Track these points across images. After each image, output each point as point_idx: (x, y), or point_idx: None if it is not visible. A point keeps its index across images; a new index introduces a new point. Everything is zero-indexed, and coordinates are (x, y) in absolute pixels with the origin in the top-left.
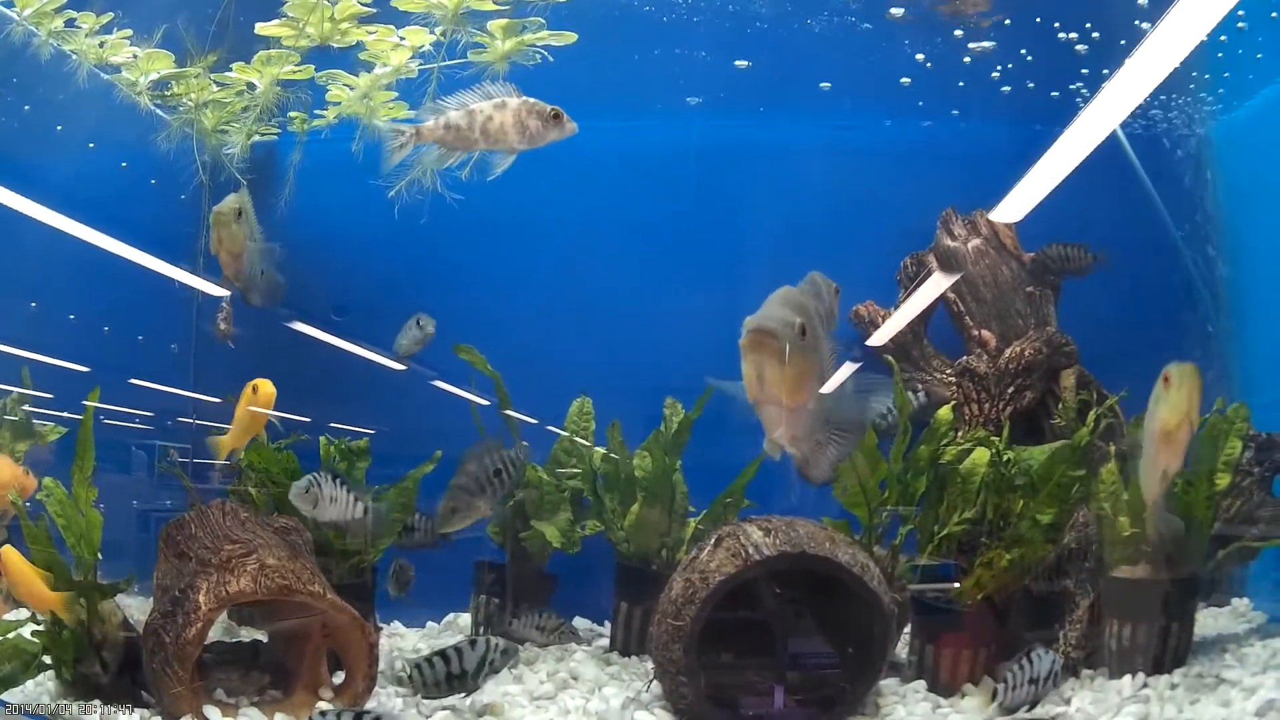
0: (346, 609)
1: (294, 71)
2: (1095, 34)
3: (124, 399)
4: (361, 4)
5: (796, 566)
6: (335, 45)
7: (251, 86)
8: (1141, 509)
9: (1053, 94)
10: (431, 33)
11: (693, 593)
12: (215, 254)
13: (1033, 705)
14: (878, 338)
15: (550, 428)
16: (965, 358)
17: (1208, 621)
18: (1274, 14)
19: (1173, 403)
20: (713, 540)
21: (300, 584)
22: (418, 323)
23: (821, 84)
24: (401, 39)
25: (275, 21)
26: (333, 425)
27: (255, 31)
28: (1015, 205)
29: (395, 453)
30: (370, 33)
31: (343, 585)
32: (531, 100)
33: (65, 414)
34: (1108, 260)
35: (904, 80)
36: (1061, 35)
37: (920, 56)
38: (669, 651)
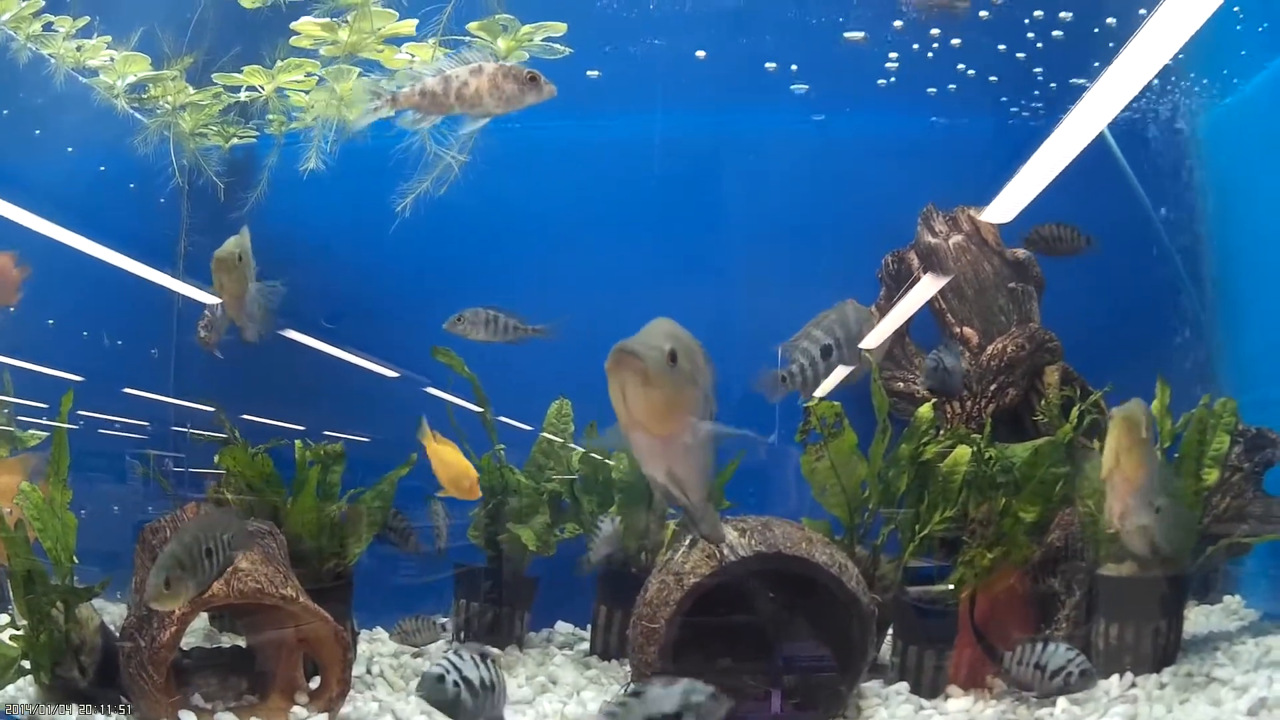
0: (319, 613)
1: (302, 82)
2: (1079, 29)
3: (103, 403)
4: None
5: (772, 567)
6: (359, 55)
7: (236, 89)
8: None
9: (1035, 89)
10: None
11: (667, 594)
12: (218, 297)
13: (1043, 698)
14: (867, 343)
15: (522, 425)
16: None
17: (1199, 619)
18: None
19: (1106, 450)
20: (688, 541)
21: (273, 588)
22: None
23: (799, 79)
24: (413, 56)
25: (315, 20)
26: (326, 433)
27: (291, 26)
28: (1003, 205)
29: (387, 459)
30: (379, 49)
31: (321, 590)
32: (508, 64)
33: (45, 420)
34: (1098, 244)
35: (880, 81)
36: (1044, 29)
37: (894, 56)
38: (644, 654)
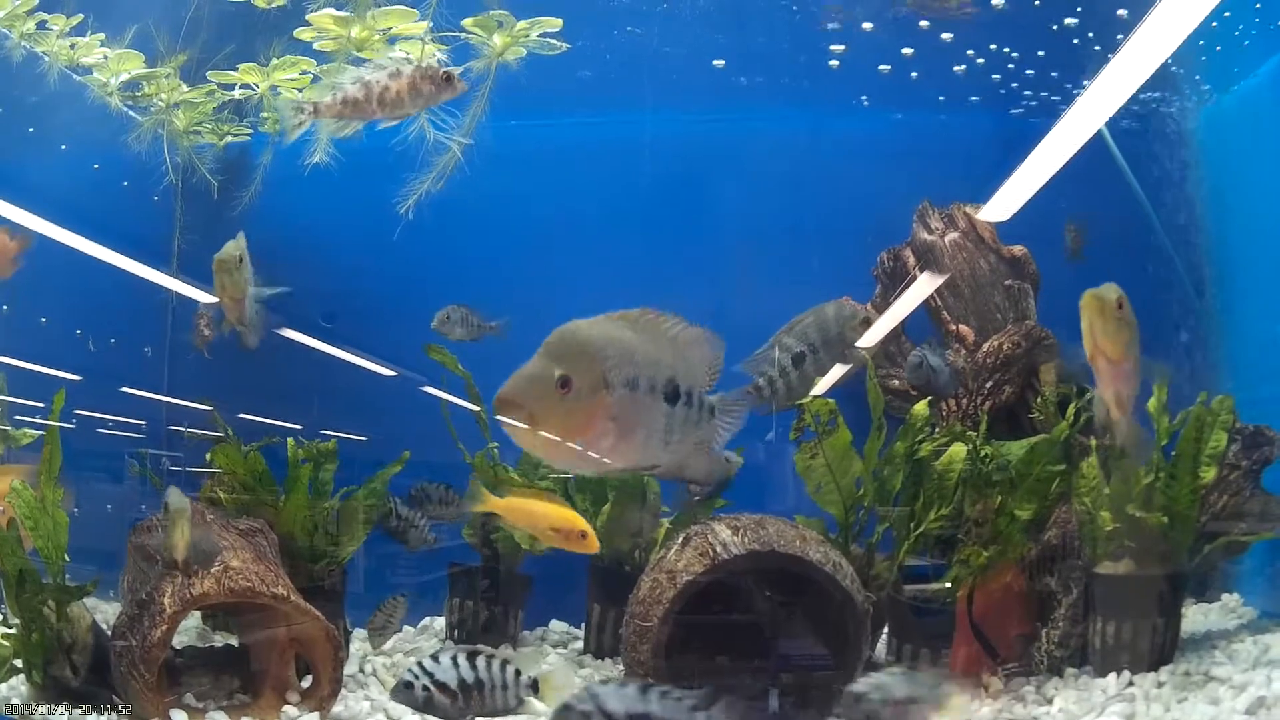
0: (310, 611)
1: (297, 80)
2: (1079, 25)
3: (97, 401)
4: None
5: (766, 565)
6: (356, 54)
7: (230, 87)
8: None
9: (1030, 87)
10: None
11: (660, 592)
12: (218, 299)
13: None
14: (864, 342)
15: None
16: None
17: (1197, 618)
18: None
19: (1083, 336)
20: (681, 539)
21: (264, 586)
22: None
23: (793, 77)
24: (406, 55)
25: (329, 13)
26: (323, 432)
27: (308, 18)
28: (1000, 203)
29: (383, 457)
30: (378, 48)
31: (313, 588)
32: (425, 65)
33: (39, 419)
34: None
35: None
36: (1043, 26)
37: (886, 53)
38: (638, 652)
